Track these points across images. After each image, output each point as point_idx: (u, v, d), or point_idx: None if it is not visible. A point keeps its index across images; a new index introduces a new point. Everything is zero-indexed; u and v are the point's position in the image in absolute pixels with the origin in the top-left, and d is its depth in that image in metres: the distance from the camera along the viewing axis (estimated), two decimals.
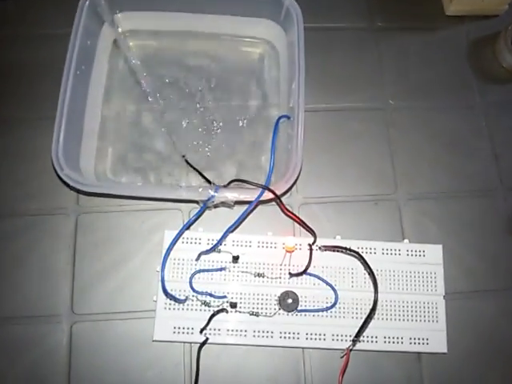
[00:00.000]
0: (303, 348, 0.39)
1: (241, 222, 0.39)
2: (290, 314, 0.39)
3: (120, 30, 0.45)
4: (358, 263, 0.41)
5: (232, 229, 0.38)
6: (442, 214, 0.44)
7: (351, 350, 0.37)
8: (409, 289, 0.41)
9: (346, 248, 0.38)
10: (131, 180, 0.42)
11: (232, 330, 0.39)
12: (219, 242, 0.38)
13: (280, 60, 0.46)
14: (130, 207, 0.43)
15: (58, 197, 0.43)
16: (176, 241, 0.39)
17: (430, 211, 0.44)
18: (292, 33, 0.42)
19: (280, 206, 0.39)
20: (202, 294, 0.39)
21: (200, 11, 0.44)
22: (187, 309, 0.39)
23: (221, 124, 0.45)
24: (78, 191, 0.42)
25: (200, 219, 0.42)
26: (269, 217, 0.43)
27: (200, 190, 0.36)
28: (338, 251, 0.40)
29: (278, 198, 0.36)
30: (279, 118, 0.39)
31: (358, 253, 0.39)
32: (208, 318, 0.38)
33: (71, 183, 0.37)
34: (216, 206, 0.39)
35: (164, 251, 0.40)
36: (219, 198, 0.36)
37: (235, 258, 0.40)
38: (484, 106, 0.47)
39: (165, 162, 0.43)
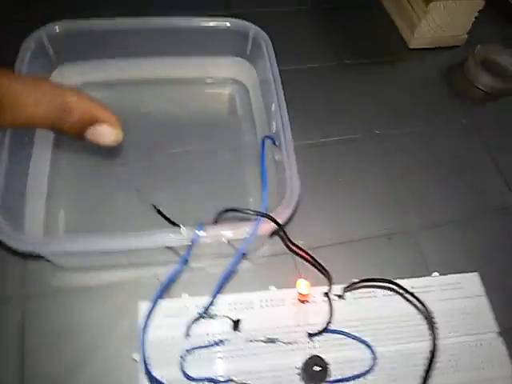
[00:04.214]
0: None
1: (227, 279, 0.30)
2: None
3: (69, 83, 0.40)
4: (393, 306, 0.32)
5: (227, 277, 0.29)
6: (463, 239, 0.38)
7: None
8: (456, 330, 0.33)
9: (380, 279, 0.30)
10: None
11: None
12: (214, 297, 0.29)
13: (251, 97, 0.41)
14: (91, 279, 0.33)
15: None
16: (151, 312, 0.29)
17: (450, 237, 0.38)
18: (262, 63, 0.38)
19: (284, 240, 0.31)
20: (200, 380, 0.29)
21: (157, 55, 0.40)
22: None
23: (193, 171, 0.38)
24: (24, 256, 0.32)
25: (182, 282, 0.33)
26: (267, 267, 0.35)
27: (178, 232, 0.28)
28: (366, 287, 0.32)
29: (280, 229, 0.29)
30: (264, 139, 0.34)
31: (396, 284, 0.31)
32: None
33: (12, 243, 0.27)
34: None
35: (141, 329, 0.30)
36: (207, 238, 0.28)
37: (236, 324, 0.30)
38: (473, 125, 0.45)
39: (128, 218, 0.35)
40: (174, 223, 0.34)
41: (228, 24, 0.39)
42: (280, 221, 0.28)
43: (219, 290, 0.29)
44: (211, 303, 0.29)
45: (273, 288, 0.33)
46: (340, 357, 0.31)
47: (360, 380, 0.30)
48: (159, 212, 0.34)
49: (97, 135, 0.27)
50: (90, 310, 0.32)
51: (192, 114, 0.41)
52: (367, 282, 0.31)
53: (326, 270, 0.31)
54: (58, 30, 0.37)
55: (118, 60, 0.40)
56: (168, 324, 0.31)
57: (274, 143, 0.33)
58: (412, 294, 0.31)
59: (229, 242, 0.28)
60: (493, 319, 0.33)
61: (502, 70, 0.48)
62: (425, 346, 0.31)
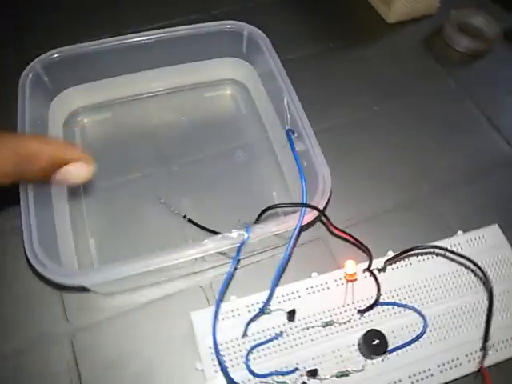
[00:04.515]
0: None
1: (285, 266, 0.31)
2: (380, 358, 0.31)
3: (70, 108, 0.39)
4: (430, 269, 0.34)
5: (282, 270, 0.30)
6: (476, 195, 0.40)
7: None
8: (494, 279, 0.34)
9: (425, 246, 0.32)
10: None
11: None
12: (272, 291, 0.30)
13: (253, 95, 0.42)
14: (135, 301, 0.33)
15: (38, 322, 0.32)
16: (216, 317, 0.30)
17: (463, 196, 0.40)
18: (261, 59, 0.39)
19: (327, 224, 0.32)
20: (268, 376, 0.30)
21: (153, 67, 0.40)
22: None
23: (211, 175, 0.39)
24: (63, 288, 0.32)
25: (238, 282, 0.34)
26: (304, 256, 0.36)
27: (225, 235, 0.29)
28: (407, 257, 0.34)
29: (322, 214, 0.30)
30: (287, 132, 0.34)
31: (441, 248, 0.33)
32: None
33: (58, 278, 0.27)
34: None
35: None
36: (256, 237, 0.29)
37: (291, 314, 0.31)
38: (461, 87, 0.47)
39: (161, 234, 0.35)
40: (208, 230, 0.34)
41: (220, 26, 0.39)
42: (320, 208, 0.29)
43: (277, 283, 0.30)
44: (270, 297, 0.30)
45: (315, 274, 0.34)
46: (392, 326, 0.32)
47: (415, 344, 0.32)
48: (190, 221, 0.35)
49: (66, 177, 0.25)
50: (142, 331, 0.33)
51: (197, 119, 0.41)
52: (408, 251, 0.33)
53: (367, 248, 0.32)
54: (52, 59, 0.36)
55: (116, 78, 0.39)
56: (225, 327, 0.31)
57: (293, 134, 0.34)
58: (453, 252, 0.33)
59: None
60: None
61: (478, 31, 0.50)
62: (468, 299, 0.33)
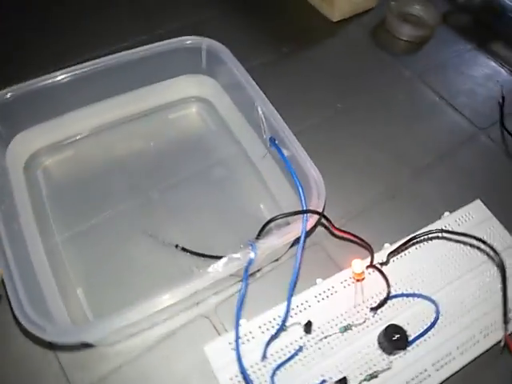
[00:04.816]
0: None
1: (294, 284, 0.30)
2: (403, 352, 0.31)
3: (28, 151, 0.36)
4: (430, 254, 0.35)
5: (295, 282, 0.28)
6: (453, 175, 0.41)
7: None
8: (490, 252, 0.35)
9: (425, 232, 0.33)
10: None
11: None
12: (288, 310, 0.29)
13: (218, 109, 0.41)
14: (138, 347, 0.31)
15: None
16: (238, 342, 0.28)
17: (441, 177, 0.41)
18: (223, 71, 0.38)
19: (328, 227, 0.31)
20: None
21: (112, 95, 0.38)
22: None
23: (193, 197, 0.37)
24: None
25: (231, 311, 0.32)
26: (304, 264, 0.34)
27: (230, 257, 0.27)
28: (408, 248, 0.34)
29: (323, 217, 0.29)
30: (271, 139, 0.33)
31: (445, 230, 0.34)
32: None
33: (53, 337, 0.24)
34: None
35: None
36: (262, 253, 0.27)
37: (308, 326, 0.30)
38: (415, 75, 0.48)
39: (153, 269, 0.33)
40: (205, 255, 0.33)
41: (177, 43, 0.37)
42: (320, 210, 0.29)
43: (291, 295, 0.28)
44: (288, 312, 0.29)
45: (319, 280, 0.33)
46: (406, 317, 0.32)
47: (432, 331, 0.32)
48: (184, 249, 0.33)
49: None
50: (155, 376, 0.30)
51: (167, 143, 0.39)
52: (411, 240, 0.33)
53: (368, 244, 0.32)
54: (5, 100, 0.33)
55: (75, 112, 0.37)
56: (237, 357, 0.30)
57: (274, 142, 0.33)
58: (453, 232, 0.34)
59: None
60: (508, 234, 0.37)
61: (418, 19, 0.52)
62: (472, 275, 0.34)
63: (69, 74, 0.35)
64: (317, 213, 0.28)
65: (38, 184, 0.36)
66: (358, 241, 0.31)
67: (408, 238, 0.33)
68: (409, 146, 0.43)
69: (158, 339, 0.31)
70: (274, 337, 0.29)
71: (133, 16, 0.51)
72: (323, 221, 0.30)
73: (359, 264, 0.30)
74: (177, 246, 0.33)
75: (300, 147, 0.32)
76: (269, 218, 0.36)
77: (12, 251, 0.27)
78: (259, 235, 0.29)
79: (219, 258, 0.28)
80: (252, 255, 0.27)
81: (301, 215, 0.28)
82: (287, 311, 0.29)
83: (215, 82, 0.40)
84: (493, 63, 0.51)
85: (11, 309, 0.25)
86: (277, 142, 0.33)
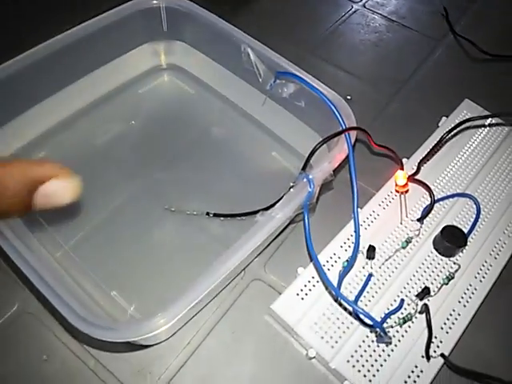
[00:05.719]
0: None
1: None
2: (462, 249, 0.30)
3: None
4: (456, 151, 0.35)
5: (357, 203, 0.26)
6: (432, 86, 0.42)
7: None
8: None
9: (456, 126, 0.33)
10: None
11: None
12: (357, 235, 0.26)
13: (194, 70, 0.38)
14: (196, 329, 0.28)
15: None
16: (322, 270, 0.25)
17: (422, 92, 0.41)
18: (189, 28, 0.35)
19: (369, 140, 0.29)
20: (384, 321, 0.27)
21: (74, 80, 0.33)
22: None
23: (201, 165, 0.34)
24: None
25: (289, 257, 0.30)
26: (340, 197, 0.34)
27: (288, 195, 0.25)
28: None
29: (365, 132, 0.27)
30: (276, 75, 0.31)
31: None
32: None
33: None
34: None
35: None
36: (318, 180, 0.25)
37: (371, 251, 0.29)
38: (361, 3, 0.49)
39: (184, 245, 0.29)
40: (243, 214, 0.30)
41: (129, 9, 0.33)
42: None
43: (357, 214, 0.26)
44: (358, 236, 0.27)
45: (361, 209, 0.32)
46: (451, 217, 0.32)
47: (479, 222, 0.32)
48: (217, 215, 0.30)
49: (47, 198, 0.19)
50: (229, 354, 0.27)
51: (147, 118, 0.36)
52: (437, 145, 0.33)
53: (398, 156, 0.31)
54: None
55: (37, 106, 0.31)
56: (310, 304, 0.28)
57: (275, 81, 0.31)
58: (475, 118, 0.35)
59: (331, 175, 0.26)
60: None
61: None
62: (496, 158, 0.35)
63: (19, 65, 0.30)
64: (360, 129, 0.27)
65: None
66: (393, 154, 0.30)
67: (435, 142, 0.33)
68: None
69: (216, 319, 0.28)
70: (351, 262, 0.27)
71: None
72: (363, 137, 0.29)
73: (402, 175, 0.29)
74: (208, 214, 0.30)
75: (308, 75, 0.30)
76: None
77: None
78: (304, 168, 0.27)
79: (255, 212, 0.25)
80: (309, 188, 0.25)
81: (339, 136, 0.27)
82: (357, 231, 0.27)
83: (182, 43, 0.36)
84: None
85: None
86: (277, 80, 0.31)
